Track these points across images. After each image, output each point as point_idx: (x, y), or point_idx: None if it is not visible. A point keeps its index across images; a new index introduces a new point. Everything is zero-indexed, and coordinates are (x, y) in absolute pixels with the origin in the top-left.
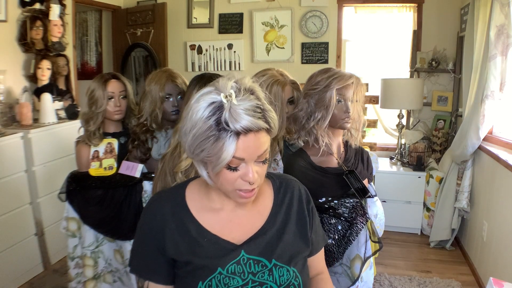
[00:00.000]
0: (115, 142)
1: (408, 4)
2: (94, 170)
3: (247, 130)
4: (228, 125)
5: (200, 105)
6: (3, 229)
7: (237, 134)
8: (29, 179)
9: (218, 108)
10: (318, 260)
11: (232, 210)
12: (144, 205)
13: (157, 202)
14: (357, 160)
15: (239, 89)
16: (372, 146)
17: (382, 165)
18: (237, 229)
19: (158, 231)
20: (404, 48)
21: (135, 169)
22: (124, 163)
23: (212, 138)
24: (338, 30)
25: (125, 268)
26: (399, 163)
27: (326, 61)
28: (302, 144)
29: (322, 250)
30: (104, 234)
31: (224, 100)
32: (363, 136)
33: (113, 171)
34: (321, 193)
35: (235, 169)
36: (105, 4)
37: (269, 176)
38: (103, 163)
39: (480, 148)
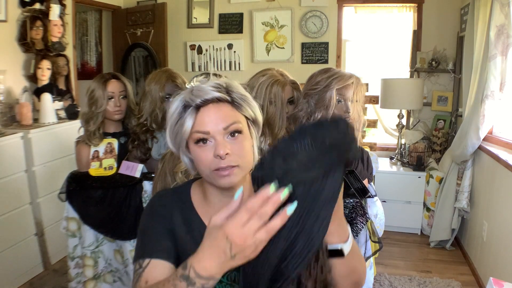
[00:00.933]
0: (115, 142)
1: (408, 4)
2: (94, 170)
3: (205, 101)
4: (189, 103)
5: (173, 101)
6: (3, 229)
7: (197, 108)
8: (29, 179)
9: (185, 98)
10: None
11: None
12: (144, 205)
13: (165, 196)
14: (357, 160)
15: (205, 81)
16: (372, 146)
17: (382, 165)
18: None
19: (167, 217)
20: (404, 48)
21: (135, 169)
22: (124, 163)
23: (180, 120)
24: (338, 30)
25: (125, 268)
26: (399, 163)
27: (326, 61)
28: None
29: None
30: (104, 234)
31: (187, 86)
32: (363, 136)
33: (113, 171)
34: None
35: (203, 141)
36: (105, 4)
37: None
38: (103, 163)
39: (480, 148)
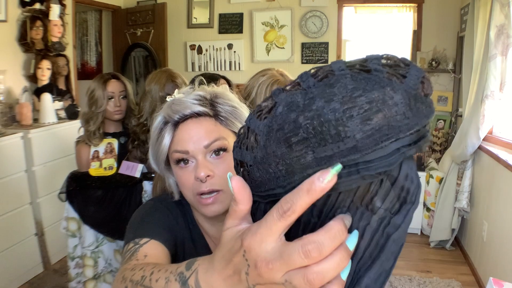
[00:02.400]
0: (115, 142)
1: (408, 4)
2: (94, 170)
3: (183, 117)
4: (168, 119)
5: (156, 118)
6: (3, 229)
7: (175, 124)
8: (29, 179)
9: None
10: None
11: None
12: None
13: (168, 204)
14: None
15: (190, 92)
16: None
17: None
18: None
19: (171, 219)
20: (404, 48)
21: (135, 169)
22: (124, 163)
23: (159, 137)
24: (338, 30)
25: None
26: None
27: (326, 61)
28: None
29: None
30: (104, 234)
31: (168, 99)
32: None
33: (113, 171)
34: None
35: (183, 161)
36: (105, 4)
37: None
38: (103, 163)
39: (480, 148)
